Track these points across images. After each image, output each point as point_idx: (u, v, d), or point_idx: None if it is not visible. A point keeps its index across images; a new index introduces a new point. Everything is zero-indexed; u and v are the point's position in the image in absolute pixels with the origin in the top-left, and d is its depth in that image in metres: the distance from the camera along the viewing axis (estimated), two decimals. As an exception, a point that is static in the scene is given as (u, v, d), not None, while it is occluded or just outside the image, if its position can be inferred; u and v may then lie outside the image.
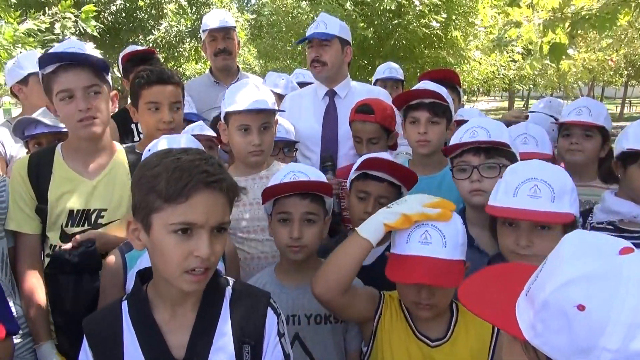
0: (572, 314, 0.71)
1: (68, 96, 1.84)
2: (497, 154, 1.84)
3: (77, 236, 1.86)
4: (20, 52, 3.46)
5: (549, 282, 0.76)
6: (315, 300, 1.58)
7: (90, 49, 1.95)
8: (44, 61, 1.86)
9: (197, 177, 1.09)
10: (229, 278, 1.36)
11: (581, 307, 0.70)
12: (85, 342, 1.24)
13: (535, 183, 1.49)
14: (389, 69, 4.17)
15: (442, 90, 2.34)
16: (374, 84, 4.11)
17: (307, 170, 1.81)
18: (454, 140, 1.94)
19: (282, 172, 1.80)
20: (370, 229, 1.52)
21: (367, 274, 1.80)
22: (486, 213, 1.85)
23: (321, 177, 1.85)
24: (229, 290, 1.30)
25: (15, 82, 2.86)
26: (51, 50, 1.99)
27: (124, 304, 1.25)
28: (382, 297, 1.67)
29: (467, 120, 2.08)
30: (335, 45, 2.84)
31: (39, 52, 3.36)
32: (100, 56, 1.94)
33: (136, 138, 3.02)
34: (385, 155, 2.08)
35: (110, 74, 1.99)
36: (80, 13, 3.73)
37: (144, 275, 1.29)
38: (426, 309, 1.52)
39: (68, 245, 1.81)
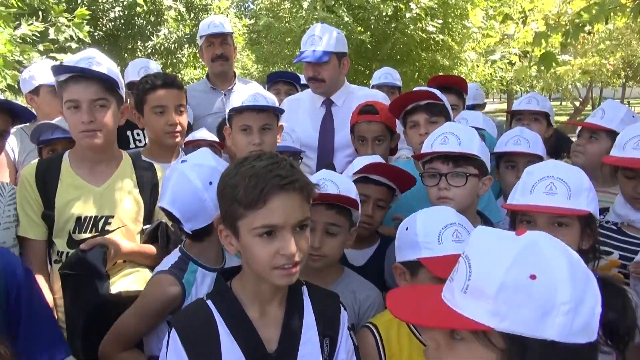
0: (528, 285, 0.82)
1: (74, 106, 1.88)
2: (466, 163, 1.84)
3: (90, 240, 1.83)
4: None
5: (494, 271, 0.84)
6: None
7: (105, 60, 1.96)
8: (57, 70, 1.93)
9: (271, 182, 1.17)
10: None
11: (533, 277, 0.82)
12: (175, 342, 1.23)
13: (551, 181, 1.51)
14: (385, 74, 4.12)
15: (435, 90, 2.35)
16: None
17: (337, 180, 1.72)
18: (426, 145, 1.93)
19: (313, 179, 1.69)
20: None
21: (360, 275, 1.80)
22: None
23: (351, 188, 1.76)
24: (304, 288, 1.37)
25: (27, 92, 2.97)
26: (67, 60, 2.03)
27: (209, 303, 1.28)
28: (375, 333, 1.56)
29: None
30: (332, 62, 2.77)
31: (49, 61, 3.36)
32: (112, 72, 1.95)
33: (132, 145, 3.02)
34: (379, 159, 2.10)
35: (122, 87, 2.01)
36: (74, 18, 3.67)
37: (226, 274, 1.35)
38: None
39: (83, 246, 1.78)
